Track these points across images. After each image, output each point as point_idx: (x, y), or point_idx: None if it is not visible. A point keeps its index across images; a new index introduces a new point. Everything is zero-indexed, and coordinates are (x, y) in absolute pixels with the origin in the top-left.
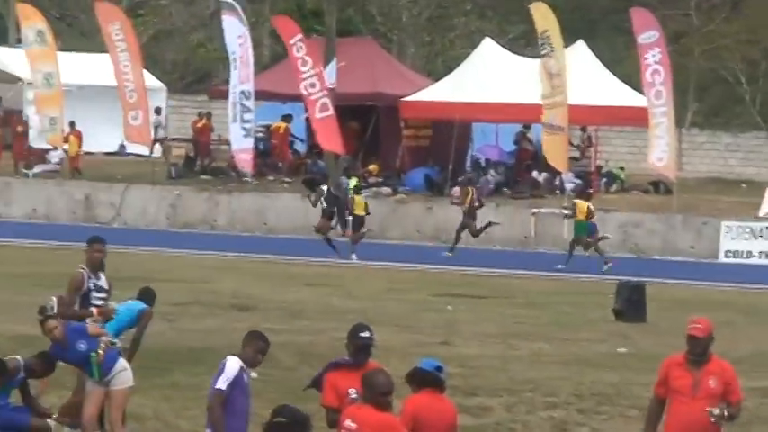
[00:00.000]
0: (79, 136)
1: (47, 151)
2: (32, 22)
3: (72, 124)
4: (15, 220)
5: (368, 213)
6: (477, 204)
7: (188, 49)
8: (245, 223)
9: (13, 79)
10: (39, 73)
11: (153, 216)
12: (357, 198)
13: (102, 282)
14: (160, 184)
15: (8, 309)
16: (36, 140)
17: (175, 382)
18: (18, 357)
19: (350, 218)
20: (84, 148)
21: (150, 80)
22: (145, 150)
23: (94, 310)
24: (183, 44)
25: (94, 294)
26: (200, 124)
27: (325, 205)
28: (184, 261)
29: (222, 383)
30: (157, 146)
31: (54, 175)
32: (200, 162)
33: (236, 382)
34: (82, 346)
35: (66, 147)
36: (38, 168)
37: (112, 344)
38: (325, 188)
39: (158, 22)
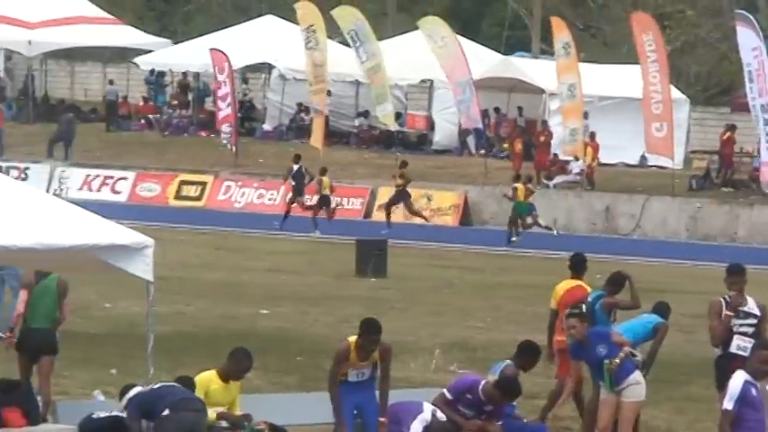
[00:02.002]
0: (596, 148)
1: (568, 162)
2: (562, 35)
3: (592, 135)
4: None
5: None
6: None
7: (712, 61)
8: (767, 236)
9: (537, 90)
10: (563, 84)
11: (673, 227)
12: None
13: (749, 307)
14: (681, 196)
15: (519, 318)
16: (557, 151)
17: (690, 395)
18: (507, 360)
19: None
20: (604, 159)
21: (673, 92)
22: (667, 162)
23: None
24: (706, 56)
25: (736, 321)
26: (725, 136)
27: (293, 183)
28: (702, 273)
29: (728, 403)
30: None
31: (574, 185)
32: (722, 174)
33: (743, 397)
34: (602, 350)
35: (585, 157)
36: (558, 179)
37: (633, 355)
38: (296, 167)
39: (683, 34)
